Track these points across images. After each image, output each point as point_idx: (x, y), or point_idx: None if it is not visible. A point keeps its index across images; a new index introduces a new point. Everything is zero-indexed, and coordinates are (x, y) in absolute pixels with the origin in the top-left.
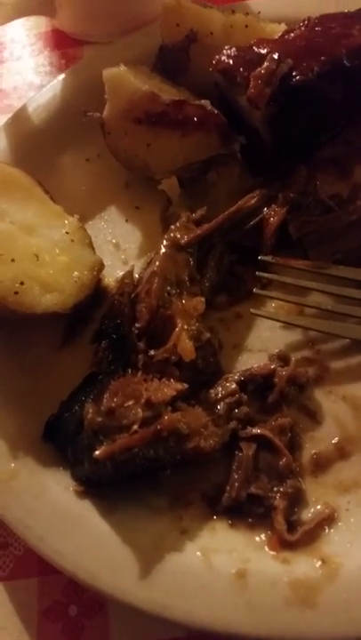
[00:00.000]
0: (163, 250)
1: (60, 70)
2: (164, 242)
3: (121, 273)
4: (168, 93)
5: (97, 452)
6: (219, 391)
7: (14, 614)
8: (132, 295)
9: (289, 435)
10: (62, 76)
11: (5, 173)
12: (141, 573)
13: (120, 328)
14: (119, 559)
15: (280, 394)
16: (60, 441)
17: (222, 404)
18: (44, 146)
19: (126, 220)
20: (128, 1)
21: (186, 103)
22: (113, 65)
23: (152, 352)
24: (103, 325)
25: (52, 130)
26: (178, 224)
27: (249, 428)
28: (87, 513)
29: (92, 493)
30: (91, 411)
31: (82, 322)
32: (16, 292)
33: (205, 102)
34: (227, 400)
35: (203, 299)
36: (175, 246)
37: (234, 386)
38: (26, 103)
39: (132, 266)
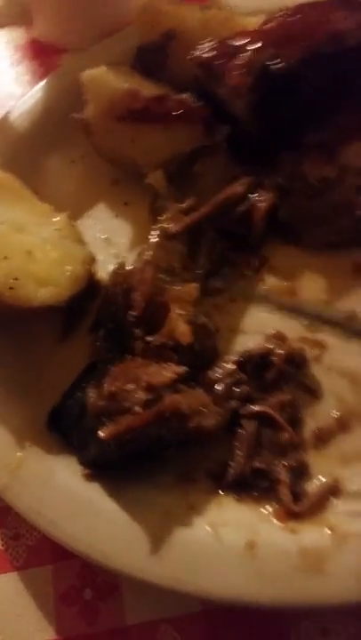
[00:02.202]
0: (154, 239)
1: (41, 79)
2: (155, 232)
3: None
4: (149, 90)
5: (101, 434)
6: (218, 372)
7: (31, 602)
8: (125, 285)
9: (289, 411)
10: (43, 82)
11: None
12: (152, 549)
13: (116, 317)
14: (130, 537)
15: (278, 372)
16: (64, 428)
17: (222, 384)
18: (30, 150)
19: (116, 216)
20: (102, 7)
21: (167, 97)
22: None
23: (149, 338)
24: (99, 316)
25: (36, 134)
26: (167, 214)
27: (249, 406)
28: (96, 495)
29: (99, 476)
30: (92, 395)
31: (79, 315)
32: (11, 288)
33: (187, 95)
34: (226, 380)
35: (196, 285)
36: (166, 235)
37: (232, 366)
38: (9, 110)
39: (124, 258)
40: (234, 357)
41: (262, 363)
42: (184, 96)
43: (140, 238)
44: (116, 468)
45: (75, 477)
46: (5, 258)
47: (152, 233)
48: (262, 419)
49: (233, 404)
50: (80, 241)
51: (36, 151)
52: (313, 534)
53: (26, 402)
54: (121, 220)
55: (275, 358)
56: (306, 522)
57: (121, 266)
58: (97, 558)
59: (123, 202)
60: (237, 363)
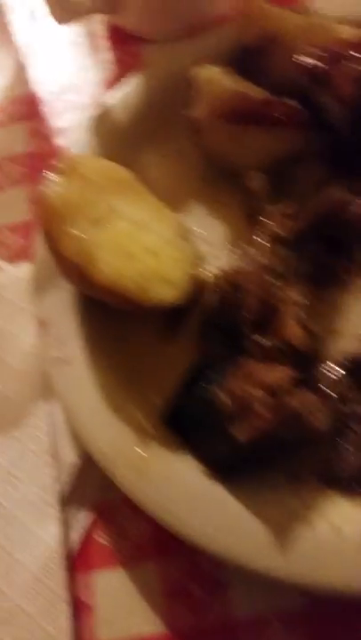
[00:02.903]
0: (264, 243)
1: (120, 68)
2: (264, 235)
3: (210, 266)
4: (254, 92)
5: (240, 435)
6: (326, 375)
7: (140, 598)
8: (238, 286)
9: None
10: (139, 74)
11: (114, 171)
12: (277, 546)
13: (230, 317)
14: (257, 534)
15: None
16: (186, 428)
17: (333, 387)
18: (127, 143)
19: (209, 214)
20: (192, 1)
21: (275, 101)
22: (191, 64)
23: (262, 340)
24: (211, 316)
25: (133, 127)
26: (273, 218)
27: (359, 409)
28: (219, 495)
29: (220, 477)
30: (222, 395)
31: (182, 314)
32: (142, 288)
33: (292, 102)
34: (337, 384)
35: (308, 289)
36: (277, 240)
37: (340, 370)
38: (105, 101)
39: (218, 256)
40: (339, 360)
41: None
42: (289, 101)
43: (234, 238)
44: (238, 468)
45: (199, 477)
46: (135, 257)
47: (261, 235)
48: None
49: (342, 407)
50: (190, 240)
51: (132, 144)
52: None
53: (143, 402)
54: (215, 219)
55: None
56: None
57: (232, 268)
58: (228, 557)
59: (216, 200)
60: (344, 366)
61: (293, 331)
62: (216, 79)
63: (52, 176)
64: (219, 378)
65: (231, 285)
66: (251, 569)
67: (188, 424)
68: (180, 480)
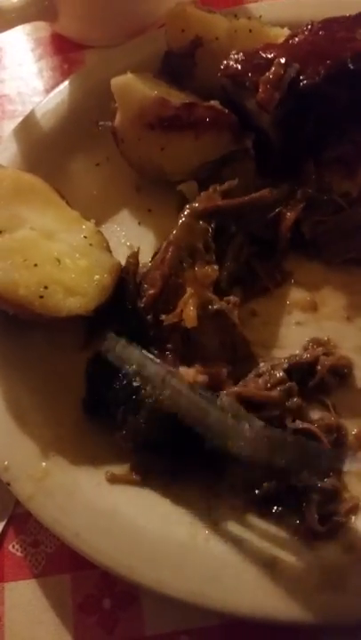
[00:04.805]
0: (181, 219)
1: (63, 75)
2: (185, 211)
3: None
4: (176, 98)
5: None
6: (267, 378)
7: (50, 609)
8: (138, 273)
9: (335, 435)
10: (68, 81)
11: (24, 180)
12: (174, 564)
13: (128, 304)
14: (152, 550)
15: (321, 381)
16: (103, 406)
17: (274, 390)
18: (54, 151)
19: (139, 223)
20: (131, 6)
21: (196, 105)
22: (118, 70)
23: (163, 317)
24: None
25: (61, 135)
26: (202, 194)
27: (297, 421)
28: (121, 507)
29: (124, 486)
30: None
31: (101, 322)
32: (41, 297)
33: (215, 102)
34: (278, 388)
35: (215, 267)
36: (194, 214)
37: (282, 374)
38: (34, 109)
39: (138, 247)
40: (283, 363)
41: (308, 370)
42: (212, 103)
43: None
44: (156, 447)
45: (99, 488)
46: (35, 265)
47: (183, 212)
48: (306, 435)
49: (277, 412)
50: (107, 249)
51: (60, 152)
52: (333, 552)
53: (50, 411)
54: (144, 227)
55: (320, 367)
56: (327, 540)
57: (133, 254)
58: (122, 573)
59: (146, 208)
60: (286, 369)
61: (186, 310)
62: (135, 87)
63: None
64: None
65: (132, 272)
66: (145, 586)
67: (105, 401)
68: (79, 492)
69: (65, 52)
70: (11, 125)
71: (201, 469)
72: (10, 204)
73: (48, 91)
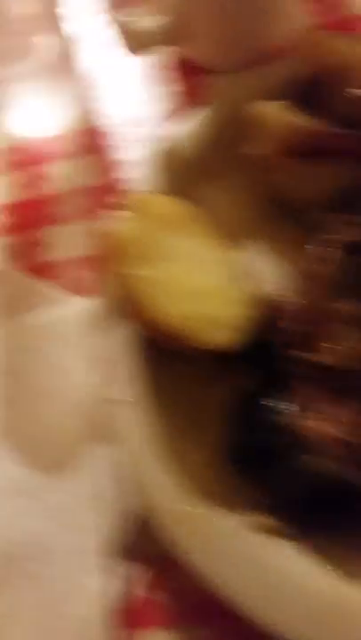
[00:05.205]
0: (318, 249)
1: (191, 100)
2: (331, 244)
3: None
4: (316, 126)
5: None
6: None
7: None
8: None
9: None
10: (206, 107)
11: (176, 208)
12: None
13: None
14: (319, 611)
15: None
16: (253, 464)
17: None
18: (192, 178)
19: (271, 252)
20: (262, 31)
21: (342, 134)
22: (254, 97)
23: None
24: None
25: (200, 161)
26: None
27: None
28: (280, 560)
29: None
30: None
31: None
32: (191, 328)
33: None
34: None
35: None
36: (342, 247)
37: None
38: (171, 135)
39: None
40: None
41: None
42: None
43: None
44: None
45: (256, 536)
46: (186, 296)
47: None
48: None
49: None
50: (254, 280)
51: (195, 179)
52: None
53: (202, 445)
54: (274, 256)
55: None
56: None
57: (279, 287)
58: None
59: (277, 238)
60: None
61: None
62: (277, 114)
63: (119, 213)
64: (280, 407)
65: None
66: None
67: (256, 459)
68: (235, 541)
69: (189, 77)
70: (138, 150)
71: None
72: (168, 233)
73: (171, 116)
